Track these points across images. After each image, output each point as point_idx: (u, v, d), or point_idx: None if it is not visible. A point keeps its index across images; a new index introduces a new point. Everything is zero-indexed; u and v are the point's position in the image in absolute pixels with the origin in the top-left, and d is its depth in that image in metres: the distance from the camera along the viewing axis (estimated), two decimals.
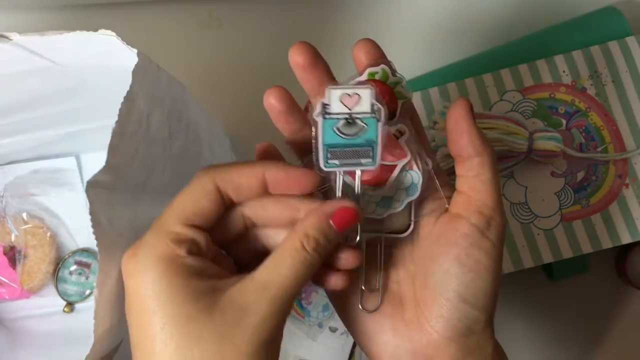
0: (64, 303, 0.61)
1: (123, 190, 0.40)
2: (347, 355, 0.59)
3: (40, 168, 0.62)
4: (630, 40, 0.54)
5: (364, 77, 0.36)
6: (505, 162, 0.53)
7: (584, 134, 0.54)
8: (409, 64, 0.60)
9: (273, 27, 0.63)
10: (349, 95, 0.33)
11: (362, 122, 0.33)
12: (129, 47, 0.36)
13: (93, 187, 0.35)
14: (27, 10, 0.64)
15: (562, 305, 0.62)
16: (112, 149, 0.36)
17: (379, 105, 0.33)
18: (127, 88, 0.36)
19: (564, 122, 0.54)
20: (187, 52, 0.63)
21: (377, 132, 0.33)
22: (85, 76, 0.43)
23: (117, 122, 0.36)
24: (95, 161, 0.62)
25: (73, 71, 0.42)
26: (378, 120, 0.33)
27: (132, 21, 0.64)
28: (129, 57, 0.37)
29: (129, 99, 0.36)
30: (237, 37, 0.63)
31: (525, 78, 0.54)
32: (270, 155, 0.38)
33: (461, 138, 0.36)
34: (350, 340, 0.59)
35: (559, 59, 0.54)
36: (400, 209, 0.37)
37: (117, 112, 0.49)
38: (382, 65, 0.36)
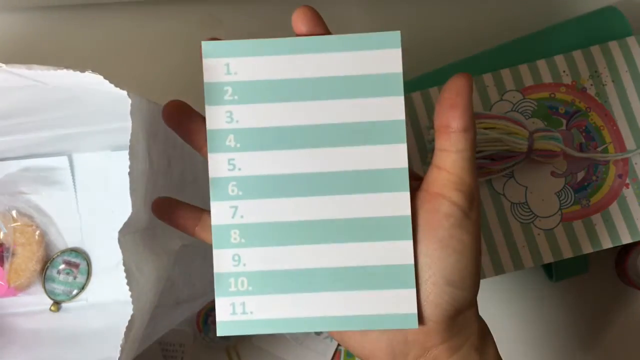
0: (51, 302, 0.59)
1: (142, 230, 0.40)
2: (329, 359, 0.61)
3: (31, 166, 0.61)
4: (631, 40, 0.54)
5: None
6: (505, 162, 0.52)
7: (584, 134, 0.54)
8: (409, 64, 0.61)
9: (273, 28, 0.63)
10: None
11: None
12: (118, 87, 0.36)
13: (123, 234, 0.36)
14: (27, 10, 0.64)
15: (562, 305, 0.61)
16: (132, 193, 0.36)
17: None
18: (119, 98, 0.36)
19: (564, 122, 0.54)
20: (187, 52, 0.63)
21: None
22: (75, 92, 0.43)
23: (129, 166, 0.36)
24: (88, 161, 0.61)
25: (62, 88, 0.42)
26: None
27: (132, 21, 0.64)
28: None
29: (133, 141, 0.36)
30: (237, 37, 0.63)
31: (525, 78, 0.54)
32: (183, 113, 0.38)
33: (454, 110, 0.35)
34: (334, 344, 0.60)
35: (559, 59, 0.54)
36: None
37: (109, 118, 0.49)
38: None
